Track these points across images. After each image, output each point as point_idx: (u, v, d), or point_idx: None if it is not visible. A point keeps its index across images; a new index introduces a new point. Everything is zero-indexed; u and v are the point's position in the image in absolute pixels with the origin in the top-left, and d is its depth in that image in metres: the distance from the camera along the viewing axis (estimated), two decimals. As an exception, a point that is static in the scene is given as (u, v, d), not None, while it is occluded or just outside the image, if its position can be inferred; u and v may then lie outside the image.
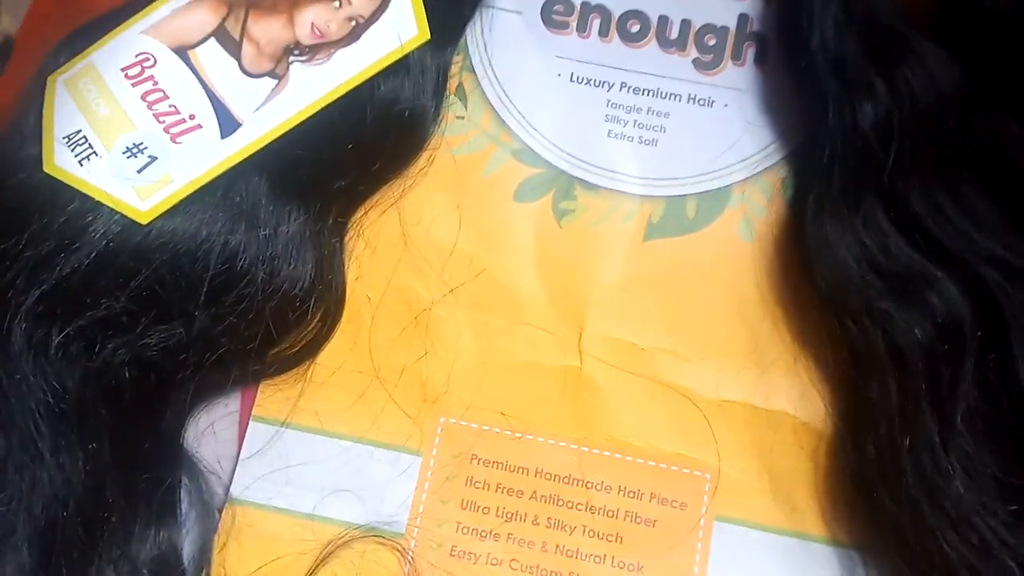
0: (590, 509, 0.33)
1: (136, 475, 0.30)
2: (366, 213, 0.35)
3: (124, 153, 0.32)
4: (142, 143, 0.32)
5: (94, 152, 0.32)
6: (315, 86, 0.33)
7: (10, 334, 0.29)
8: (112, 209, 0.31)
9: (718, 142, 0.36)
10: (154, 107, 0.33)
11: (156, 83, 0.33)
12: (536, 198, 0.36)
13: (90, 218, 0.31)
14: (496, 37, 0.37)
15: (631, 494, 0.33)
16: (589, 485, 0.33)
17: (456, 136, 0.36)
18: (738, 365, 0.34)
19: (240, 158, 0.32)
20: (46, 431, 0.29)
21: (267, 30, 0.33)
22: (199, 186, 0.32)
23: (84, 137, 0.32)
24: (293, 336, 0.34)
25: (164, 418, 0.31)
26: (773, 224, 0.35)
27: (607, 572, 0.32)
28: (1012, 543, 0.29)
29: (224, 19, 0.33)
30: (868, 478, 0.31)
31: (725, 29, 0.37)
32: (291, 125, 0.33)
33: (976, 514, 0.29)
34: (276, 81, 0.33)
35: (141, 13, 0.34)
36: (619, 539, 0.33)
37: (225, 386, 0.33)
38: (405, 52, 0.33)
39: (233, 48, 0.33)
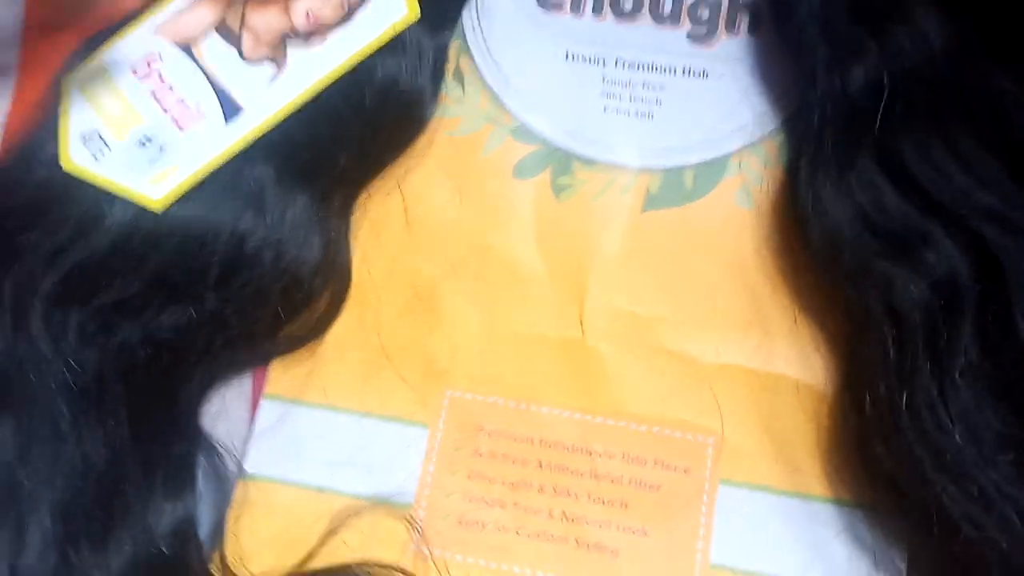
0: (595, 476, 0.33)
1: (154, 451, 0.31)
2: (369, 196, 0.36)
3: (135, 146, 0.34)
4: (151, 135, 0.34)
5: (107, 147, 0.34)
6: (312, 69, 0.34)
7: (30, 317, 0.31)
8: (126, 199, 0.33)
9: (714, 113, 0.37)
10: (161, 100, 0.34)
11: (163, 78, 0.34)
12: (534, 174, 0.36)
13: (104, 208, 0.33)
14: (491, 19, 0.38)
15: (635, 460, 0.33)
16: (593, 453, 0.34)
17: (454, 118, 0.37)
18: (739, 330, 0.34)
19: (245, 143, 0.34)
20: (66, 409, 0.30)
21: (264, 20, 0.34)
22: (207, 173, 0.33)
23: (97, 133, 0.34)
24: (301, 316, 0.35)
25: (179, 397, 0.33)
26: (771, 191, 0.35)
27: (613, 537, 0.33)
28: (1013, 495, 0.28)
29: (224, 13, 0.34)
30: (867, 436, 0.31)
31: (718, 1, 0.38)
32: (292, 108, 0.34)
33: (976, 467, 0.29)
34: (275, 67, 0.34)
35: (147, 14, 0.35)
36: (624, 505, 0.33)
37: (237, 366, 0.34)
38: (397, 31, 0.34)
39: (233, 39, 0.34)
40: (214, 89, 0.34)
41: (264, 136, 0.34)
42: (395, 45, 0.35)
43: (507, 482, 0.34)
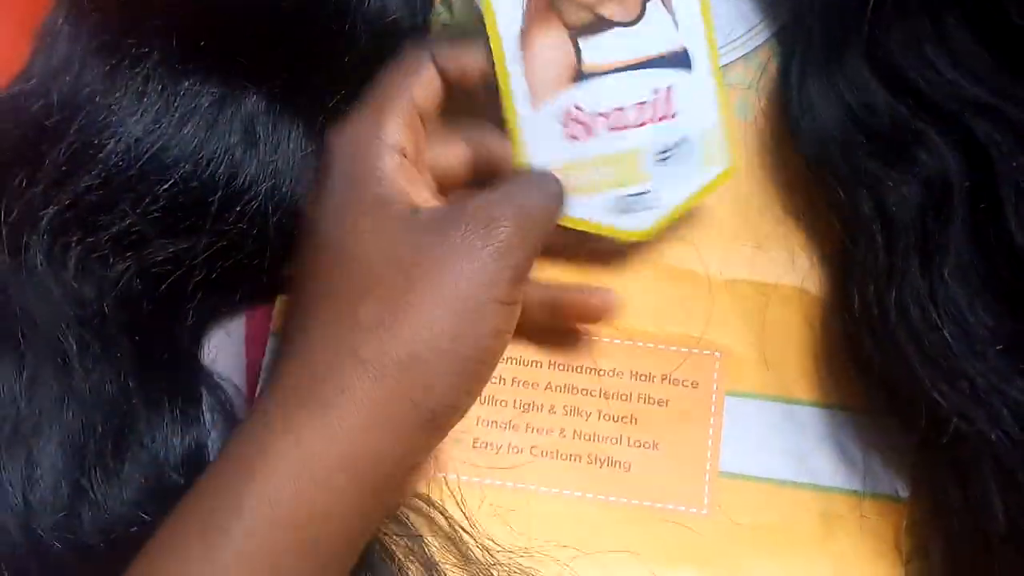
0: (604, 395, 0.34)
1: (159, 383, 0.32)
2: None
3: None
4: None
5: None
6: None
7: (30, 251, 0.31)
8: (122, 132, 0.32)
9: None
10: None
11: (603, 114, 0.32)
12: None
13: (99, 139, 0.32)
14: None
15: (643, 377, 0.34)
16: (601, 372, 0.34)
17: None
18: (736, 243, 0.34)
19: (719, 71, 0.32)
20: (71, 342, 0.30)
21: None
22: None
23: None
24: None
25: (179, 331, 0.33)
26: (766, 100, 0.35)
27: (624, 452, 0.33)
28: (1003, 388, 0.29)
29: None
30: (859, 337, 0.31)
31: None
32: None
33: (966, 362, 0.29)
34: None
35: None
36: (634, 420, 0.34)
37: (235, 302, 0.34)
38: None
39: (605, 23, 0.32)
40: (649, 66, 0.31)
41: (257, 71, 0.33)
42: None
43: (518, 404, 0.34)
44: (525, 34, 0.31)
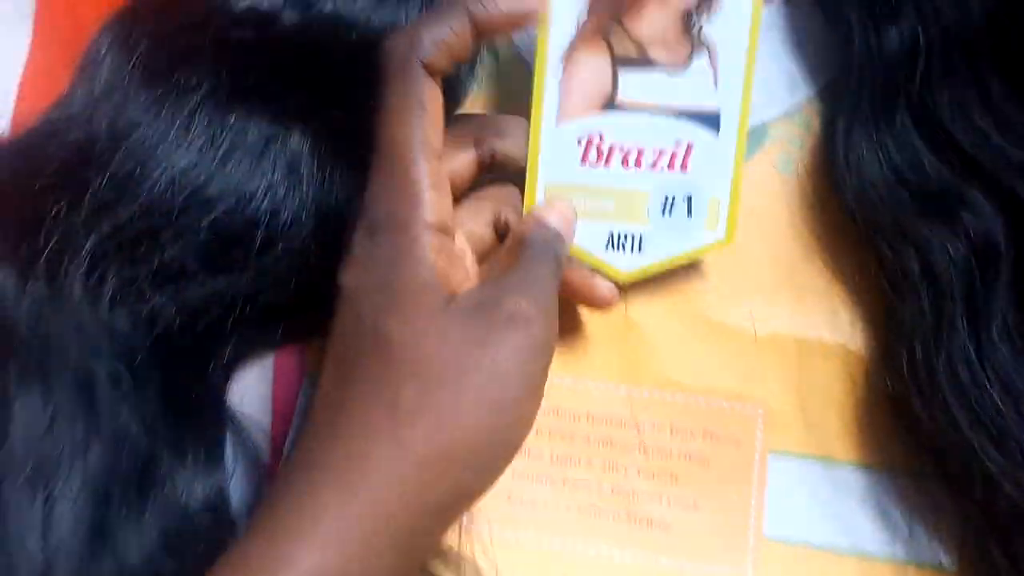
0: (643, 450, 0.33)
1: (184, 424, 0.31)
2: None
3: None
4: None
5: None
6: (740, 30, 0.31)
7: (67, 282, 0.30)
8: (167, 164, 0.31)
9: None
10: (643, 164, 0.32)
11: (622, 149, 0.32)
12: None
13: (143, 170, 0.31)
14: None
15: (684, 433, 0.33)
16: (641, 426, 0.33)
17: (492, 91, 0.36)
18: (778, 297, 0.34)
19: (743, 141, 0.32)
20: (102, 375, 0.30)
21: (650, 21, 0.32)
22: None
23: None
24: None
25: (209, 369, 0.32)
26: (809, 155, 0.35)
27: (663, 511, 0.32)
28: None
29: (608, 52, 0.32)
30: (906, 399, 0.31)
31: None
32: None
33: (1016, 425, 0.29)
34: (704, 55, 0.32)
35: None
36: (674, 478, 0.33)
37: (269, 340, 0.33)
38: None
39: (642, 61, 0.32)
40: (679, 116, 0.32)
41: (304, 109, 0.32)
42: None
43: (556, 458, 0.33)
44: (571, 51, 0.32)
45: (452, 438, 0.26)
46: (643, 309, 0.34)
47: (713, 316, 0.34)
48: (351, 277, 0.28)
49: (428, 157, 0.28)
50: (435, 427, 0.26)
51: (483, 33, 0.29)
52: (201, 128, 0.31)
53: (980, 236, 0.31)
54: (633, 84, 0.32)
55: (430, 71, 0.28)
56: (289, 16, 0.32)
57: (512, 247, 0.30)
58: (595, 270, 0.32)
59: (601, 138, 0.32)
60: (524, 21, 0.30)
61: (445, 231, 0.28)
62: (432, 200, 0.28)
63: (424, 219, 0.28)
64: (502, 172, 0.32)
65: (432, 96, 0.29)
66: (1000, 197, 0.31)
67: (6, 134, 0.34)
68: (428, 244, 0.28)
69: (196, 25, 0.32)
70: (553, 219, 0.31)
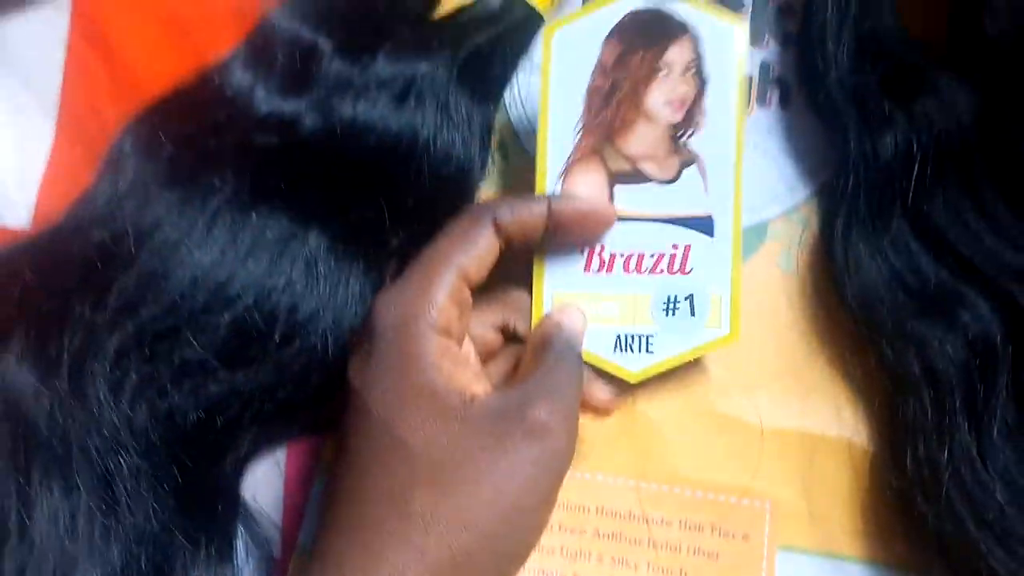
0: (652, 545, 0.33)
1: (199, 518, 0.31)
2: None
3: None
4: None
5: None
6: (725, 133, 0.33)
7: (92, 377, 0.30)
8: (189, 262, 0.32)
9: (750, 182, 0.38)
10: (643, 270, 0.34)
11: (623, 256, 0.34)
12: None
13: (165, 270, 0.32)
14: (532, 93, 0.39)
15: (693, 527, 0.33)
16: (650, 521, 0.34)
17: (500, 189, 0.38)
18: (783, 393, 0.35)
19: (739, 243, 0.33)
20: (124, 471, 0.30)
21: (639, 138, 0.33)
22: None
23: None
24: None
25: (224, 464, 0.32)
26: (810, 253, 0.36)
27: (675, 607, 0.32)
28: None
29: (603, 169, 0.33)
30: (910, 496, 0.31)
31: (748, 77, 0.39)
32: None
33: (1021, 525, 0.29)
34: (695, 166, 0.33)
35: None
36: (683, 574, 0.33)
37: (283, 433, 0.34)
38: None
39: (635, 175, 0.33)
40: (674, 222, 0.33)
41: (322, 209, 0.34)
42: (448, 119, 0.35)
43: (565, 552, 0.33)
44: (569, 168, 0.33)
45: (465, 543, 0.26)
46: (651, 403, 0.35)
47: (720, 410, 0.35)
48: (358, 374, 0.29)
49: (459, 276, 0.29)
50: (448, 532, 0.26)
51: (556, 224, 0.31)
52: (223, 227, 0.32)
53: (978, 336, 0.32)
54: (628, 196, 0.33)
55: (496, 228, 0.30)
56: (310, 121, 0.33)
57: (535, 351, 0.31)
58: (605, 373, 0.33)
59: (602, 247, 0.33)
60: (594, 224, 0.32)
61: (450, 335, 0.29)
62: (445, 307, 0.29)
63: (431, 321, 0.28)
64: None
65: (488, 244, 0.30)
66: (997, 298, 0.32)
67: (28, 229, 0.35)
68: (433, 344, 0.28)
69: (219, 128, 0.34)
70: (567, 323, 0.31)
